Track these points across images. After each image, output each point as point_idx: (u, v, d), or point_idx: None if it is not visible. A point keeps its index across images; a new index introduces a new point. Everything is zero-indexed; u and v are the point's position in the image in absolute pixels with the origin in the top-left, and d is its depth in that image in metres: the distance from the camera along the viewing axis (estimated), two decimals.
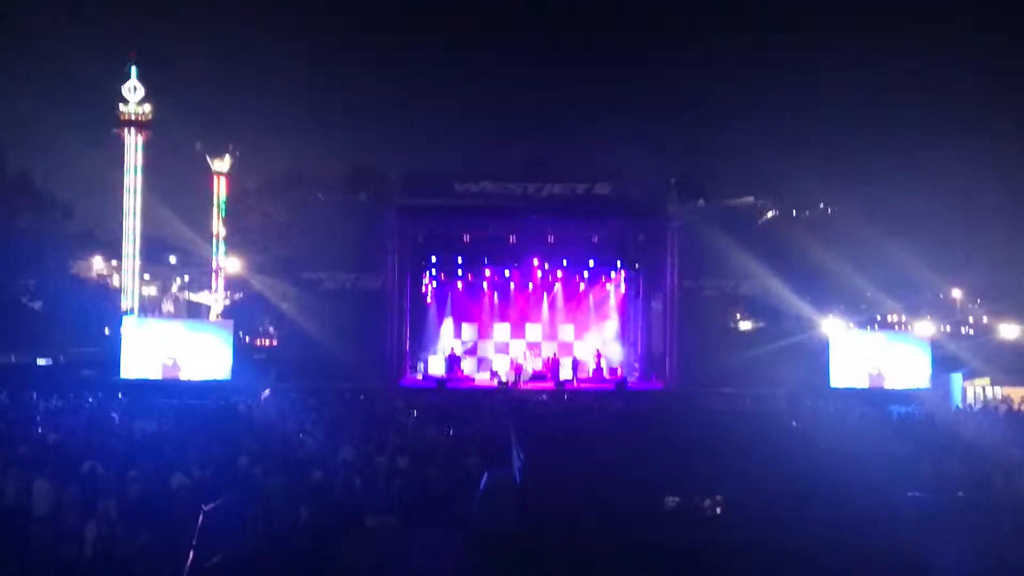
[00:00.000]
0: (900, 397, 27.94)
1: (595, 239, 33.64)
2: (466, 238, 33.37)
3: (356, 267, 30.79)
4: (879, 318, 50.27)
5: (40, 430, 17.61)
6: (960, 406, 28.86)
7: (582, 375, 32.72)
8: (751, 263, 30.50)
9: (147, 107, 44.56)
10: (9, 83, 71.78)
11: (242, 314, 41.02)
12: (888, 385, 29.67)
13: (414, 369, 34.08)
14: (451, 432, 18.30)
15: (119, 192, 44.82)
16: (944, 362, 31.51)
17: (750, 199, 32.31)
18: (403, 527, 11.09)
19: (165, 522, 10.86)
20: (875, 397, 28.11)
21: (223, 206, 48.60)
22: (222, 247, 49.05)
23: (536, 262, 34.58)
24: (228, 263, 48.13)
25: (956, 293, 57.13)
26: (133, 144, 44.43)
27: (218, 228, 49.09)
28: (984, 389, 30.83)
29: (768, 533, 7.90)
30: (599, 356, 33.84)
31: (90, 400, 23.57)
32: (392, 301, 31.19)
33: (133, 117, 44.36)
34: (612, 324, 36.43)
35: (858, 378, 29.87)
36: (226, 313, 46.07)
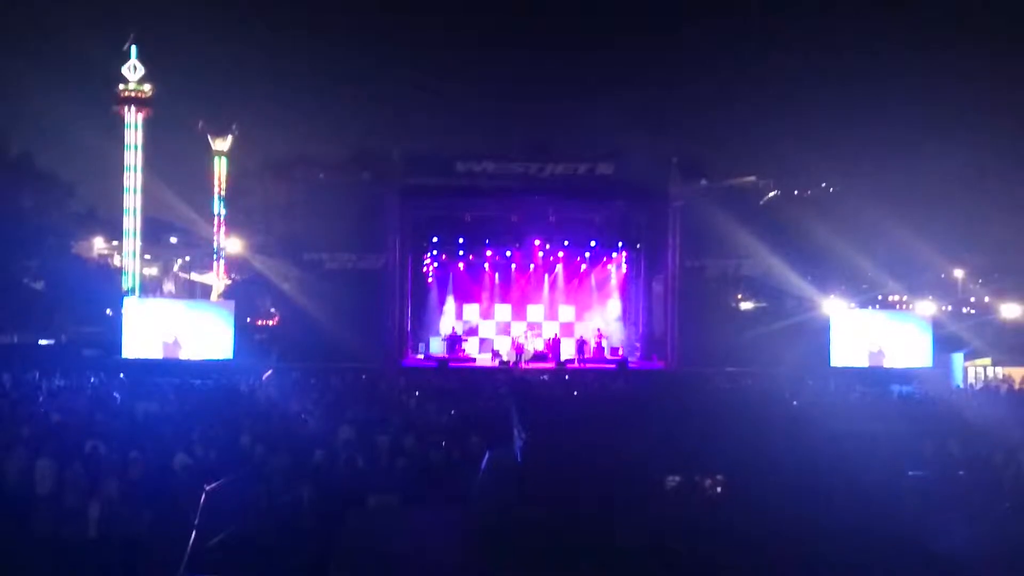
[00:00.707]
0: (901, 376, 27.97)
1: (596, 219, 33.65)
2: (467, 218, 33.39)
3: (358, 247, 30.80)
4: (880, 298, 50.23)
5: (43, 410, 17.63)
6: (961, 386, 28.89)
7: (583, 355, 32.76)
8: (752, 243, 30.49)
9: (147, 86, 44.44)
10: (10, 63, 71.68)
11: (243, 294, 40.98)
12: (889, 364, 29.71)
13: (416, 349, 34.16)
14: (452, 412, 18.33)
15: (120, 172, 44.79)
16: (945, 342, 31.52)
17: (752, 179, 32.24)
18: (405, 506, 11.11)
19: (167, 502, 10.88)
20: (876, 376, 28.14)
21: (224, 185, 48.57)
22: (223, 227, 49.05)
23: (537, 242, 34.61)
24: (229, 243, 48.13)
25: (958, 273, 57.13)
26: (133, 122, 44.33)
27: (219, 208, 49.08)
28: (985, 369, 30.85)
29: (768, 511, 7.91)
30: (600, 336, 33.89)
31: (92, 380, 23.59)
32: (394, 281, 31.23)
33: (133, 94, 44.22)
34: (613, 304, 36.46)
35: (859, 357, 29.90)
36: (227, 293, 46.10)
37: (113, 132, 44.89)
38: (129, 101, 44.14)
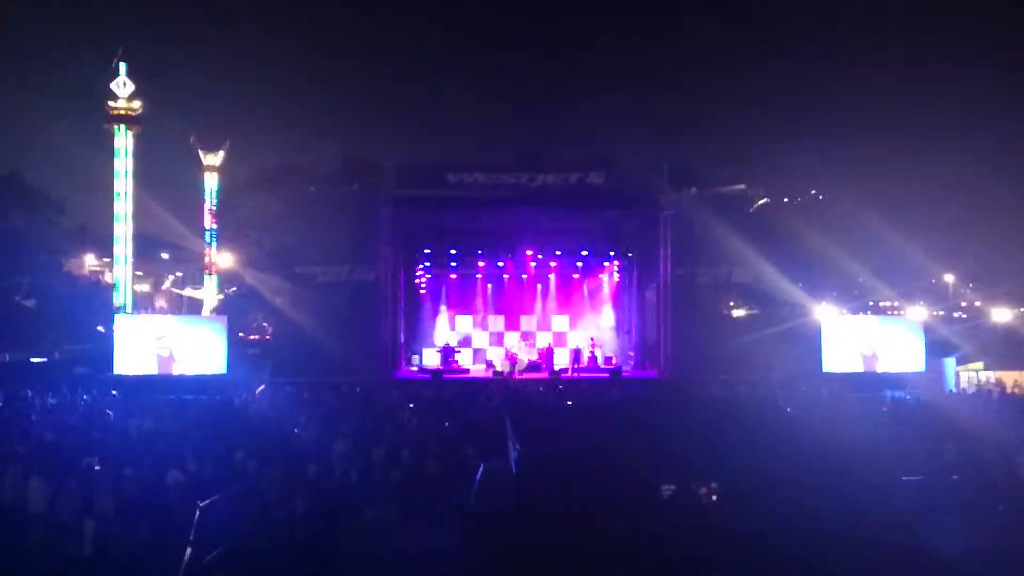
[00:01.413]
0: (894, 381, 28.01)
1: (588, 229, 33.62)
2: (459, 229, 33.32)
3: (350, 260, 30.73)
4: (872, 303, 50.36)
5: (36, 428, 17.58)
6: (954, 390, 28.97)
7: (577, 365, 32.75)
8: (744, 250, 30.52)
9: (137, 102, 44.46)
10: None
11: (236, 309, 40.90)
12: (881, 369, 29.72)
13: (409, 361, 34.11)
14: (447, 424, 18.31)
15: (110, 188, 44.73)
16: (937, 347, 31.60)
17: (742, 186, 32.33)
18: (400, 518, 11.10)
19: (162, 518, 10.86)
20: (869, 381, 28.18)
21: (215, 200, 48.48)
22: (214, 242, 48.94)
23: (530, 252, 34.58)
24: (221, 258, 48.01)
25: (949, 278, 57.31)
26: (123, 139, 44.32)
27: (210, 223, 48.98)
28: (978, 373, 30.94)
29: (764, 519, 7.92)
30: (594, 345, 33.88)
31: (84, 397, 23.51)
32: (386, 293, 31.18)
33: (123, 112, 44.23)
34: (606, 313, 36.48)
35: (852, 362, 29.92)
36: (220, 308, 46.00)
37: (103, 148, 44.89)
38: (119, 119, 44.15)
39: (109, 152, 44.65)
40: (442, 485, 12.94)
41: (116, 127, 44.25)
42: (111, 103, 44.26)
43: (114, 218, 44.82)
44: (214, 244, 48.88)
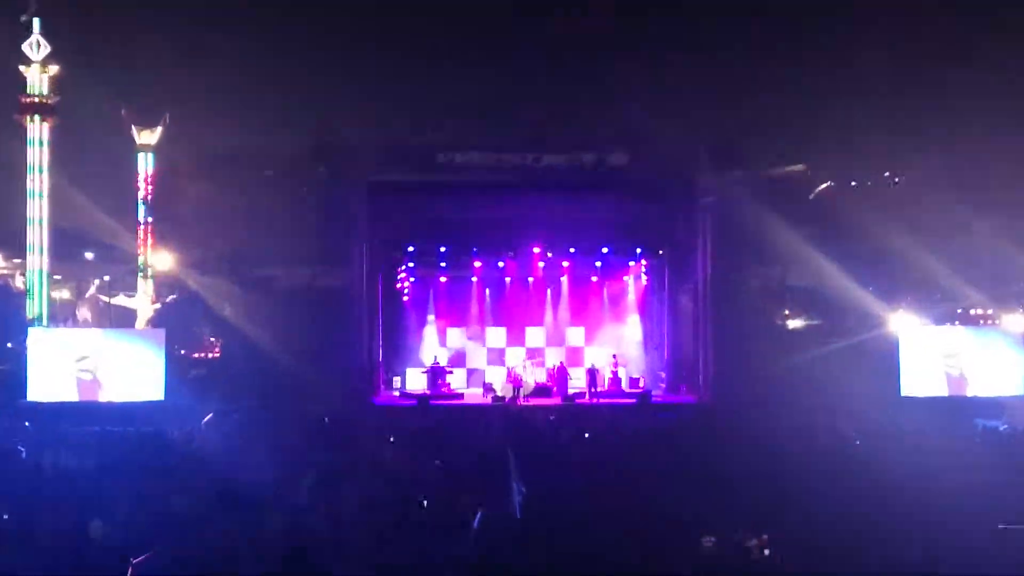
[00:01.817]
0: (987, 407, 27.96)
1: (609, 221, 33.58)
2: (451, 221, 33.25)
3: (316, 260, 30.82)
4: (960, 312, 50.20)
5: None
6: None
7: (596, 388, 32.71)
8: (801, 247, 30.52)
9: (52, 73, 44.41)
10: None
11: (176, 321, 40.88)
12: (972, 392, 29.69)
13: (389, 385, 34.12)
14: (436, 461, 18.33)
15: (21, 177, 44.77)
16: None
17: (799, 167, 32.34)
18: None
19: None
20: (956, 407, 28.13)
21: (151, 188, 48.53)
22: (150, 240, 48.98)
23: (537, 250, 34.53)
24: (158, 259, 48.02)
25: None
26: (37, 129, 44.40)
27: (144, 216, 49.01)
28: None
29: None
30: (616, 364, 33.84)
31: None
32: (361, 301, 31.23)
33: (37, 101, 44.32)
34: (632, 324, 36.45)
35: (935, 385, 29.86)
36: (157, 320, 46.01)
37: (12, 131, 44.88)
38: (32, 108, 44.20)
39: (18, 136, 44.70)
40: (431, 536, 12.93)
41: (29, 118, 44.34)
42: (25, 70, 44.35)
43: (26, 210, 44.87)
44: (150, 242, 48.94)
